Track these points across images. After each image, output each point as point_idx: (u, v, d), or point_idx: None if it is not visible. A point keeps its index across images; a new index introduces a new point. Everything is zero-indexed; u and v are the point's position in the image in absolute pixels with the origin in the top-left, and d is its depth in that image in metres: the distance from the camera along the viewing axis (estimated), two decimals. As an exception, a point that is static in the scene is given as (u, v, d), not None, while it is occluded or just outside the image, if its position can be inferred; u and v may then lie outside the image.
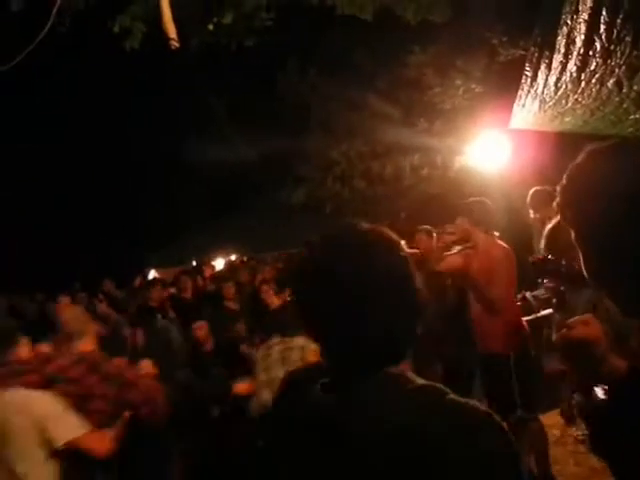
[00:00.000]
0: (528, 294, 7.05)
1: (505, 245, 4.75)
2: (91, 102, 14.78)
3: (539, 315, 7.17)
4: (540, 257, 3.16)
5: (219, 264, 14.00)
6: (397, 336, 1.16)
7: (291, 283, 1.28)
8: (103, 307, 7.56)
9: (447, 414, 1.07)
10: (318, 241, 1.23)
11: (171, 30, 5.26)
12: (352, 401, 1.11)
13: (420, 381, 1.14)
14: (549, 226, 3.20)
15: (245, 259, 14.11)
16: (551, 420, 5.77)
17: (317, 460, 1.12)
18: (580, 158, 1.23)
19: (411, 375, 1.16)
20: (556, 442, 5.32)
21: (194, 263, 14.81)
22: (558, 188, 1.28)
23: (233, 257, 16.38)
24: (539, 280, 4.89)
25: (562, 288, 3.15)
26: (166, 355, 5.30)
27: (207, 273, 11.19)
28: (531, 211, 5.43)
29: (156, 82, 14.46)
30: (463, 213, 4.70)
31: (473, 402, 1.12)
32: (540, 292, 7.03)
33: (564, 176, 1.25)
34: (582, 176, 1.22)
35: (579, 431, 5.47)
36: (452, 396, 1.12)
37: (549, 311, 7.05)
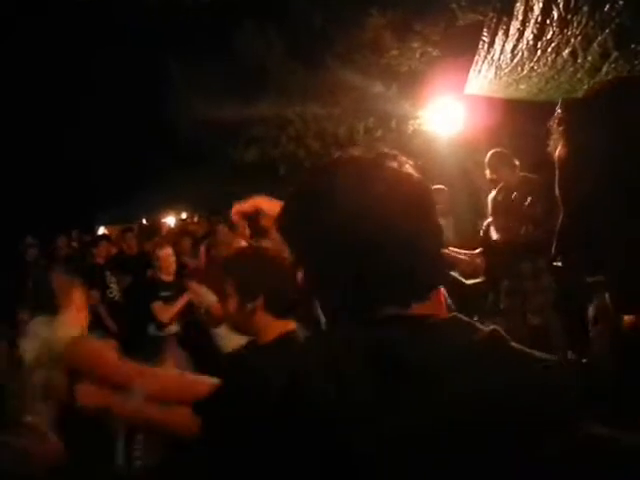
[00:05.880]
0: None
1: None
2: (39, 53, 14.14)
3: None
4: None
5: (170, 222, 13.88)
6: (418, 273, 0.96)
7: (287, 213, 1.07)
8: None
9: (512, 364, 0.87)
10: (325, 168, 1.05)
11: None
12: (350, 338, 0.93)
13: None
14: (493, 192, 3.27)
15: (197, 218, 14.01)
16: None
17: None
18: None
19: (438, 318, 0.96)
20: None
21: (144, 221, 14.66)
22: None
23: (184, 215, 16.27)
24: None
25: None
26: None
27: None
28: (488, 171, 5.38)
29: (108, 35, 13.93)
30: None
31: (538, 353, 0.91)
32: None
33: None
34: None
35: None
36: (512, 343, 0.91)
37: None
